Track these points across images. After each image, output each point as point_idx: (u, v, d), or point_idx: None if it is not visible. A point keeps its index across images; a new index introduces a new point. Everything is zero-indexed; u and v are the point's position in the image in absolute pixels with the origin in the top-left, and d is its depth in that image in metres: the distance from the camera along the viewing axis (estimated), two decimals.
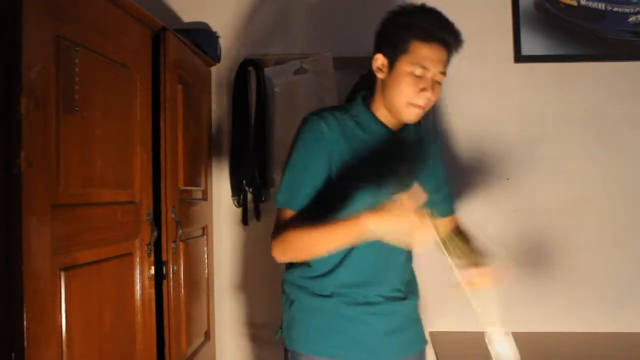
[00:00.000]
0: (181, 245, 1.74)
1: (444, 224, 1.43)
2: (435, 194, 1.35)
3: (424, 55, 1.20)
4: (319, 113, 1.28)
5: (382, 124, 1.31)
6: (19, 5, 1.02)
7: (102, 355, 1.29)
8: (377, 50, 1.28)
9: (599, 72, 2.10)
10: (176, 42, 1.73)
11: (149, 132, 1.57)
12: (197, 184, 1.96)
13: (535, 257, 2.08)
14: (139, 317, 1.48)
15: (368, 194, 1.21)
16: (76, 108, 1.20)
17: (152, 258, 1.55)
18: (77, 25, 1.22)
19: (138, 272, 1.48)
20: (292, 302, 1.33)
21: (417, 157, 1.35)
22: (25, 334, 1.01)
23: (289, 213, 1.24)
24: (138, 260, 1.49)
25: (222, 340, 2.17)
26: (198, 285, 1.96)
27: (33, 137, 1.05)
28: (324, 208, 1.21)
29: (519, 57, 2.11)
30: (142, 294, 1.49)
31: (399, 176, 1.21)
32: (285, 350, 1.34)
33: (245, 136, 2.06)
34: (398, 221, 1.04)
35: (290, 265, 1.37)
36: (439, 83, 1.25)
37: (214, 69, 2.17)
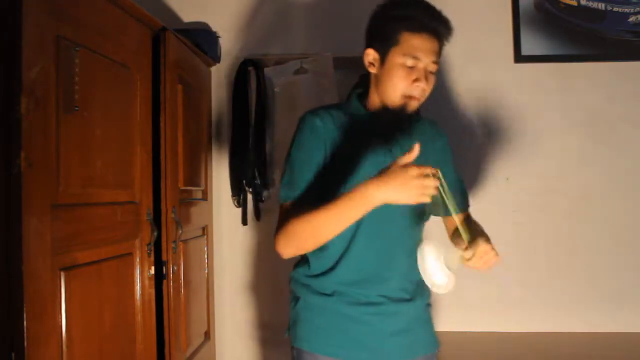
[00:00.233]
0: (181, 245, 1.74)
1: (456, 221, 1.41)
2: None
3: (414, 45, 1.20)
4: (314, 111, 1.29)
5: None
6: (19, 5, 1.02)
7: (102, 355, 1.30)
8: (368, 45, 1.28)
9: (599, 72, 2.10)
10: (176, 42, 1.73)
11: (149, 132, 1.58)
12: (197, 184, 1.96)
13: (535, 257, 2.09)
14: (139, 317, 1.48)
15: (362, 170, 1.21)
16: (76, 108, 1.20)
17: (152, 258, 1.55)
18: (77, 25, 1.22)
19: (138, 272, 1.49)
20: (297, 300, 1.33)
21: (397, 131, 1.32)
22: (25, 334, 1.01)
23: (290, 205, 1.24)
24: (138, 260, 1.49)
25: (222, 340, 2.17)
26: (198, 285, 1.96)
27: (33, 137, 1.05)
28: (323, 194, 1.21)
29: (519, 57, 2.11)
30: (142, 294, 1.49)
31: (375, 149, 1.23)
32: (292, 348, 1.34)
33: (245, 136, 2.06)
34: (399, 179, 1.05)
35: (296, 263, 1.37)
36: (433, 73, 1.24)
37: (214, 69, 2.17)
